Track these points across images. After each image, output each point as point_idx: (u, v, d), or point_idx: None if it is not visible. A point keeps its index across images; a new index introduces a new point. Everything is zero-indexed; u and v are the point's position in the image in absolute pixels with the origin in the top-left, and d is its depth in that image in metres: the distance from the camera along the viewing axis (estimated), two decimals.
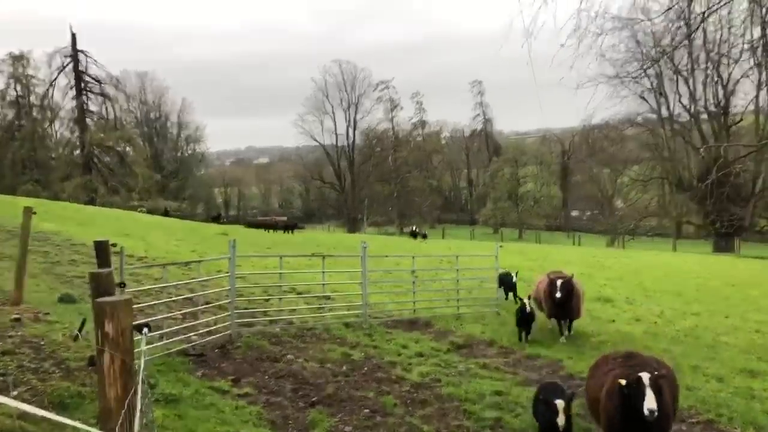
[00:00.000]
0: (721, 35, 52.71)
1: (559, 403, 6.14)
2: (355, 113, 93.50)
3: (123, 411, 2.94)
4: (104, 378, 2.98)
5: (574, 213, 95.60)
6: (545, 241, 68.65)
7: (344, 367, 9.64)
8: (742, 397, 8.78)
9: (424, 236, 48.47)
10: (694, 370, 10.25)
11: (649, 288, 20.98)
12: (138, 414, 3.06)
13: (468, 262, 21.57)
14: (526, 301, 11.76)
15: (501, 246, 18.87)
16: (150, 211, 56.35)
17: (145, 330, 4.27)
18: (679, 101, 60.48)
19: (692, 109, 59.23)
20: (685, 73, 57.97)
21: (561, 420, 6.10)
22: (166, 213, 58.75)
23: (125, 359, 2.94)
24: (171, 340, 9.59)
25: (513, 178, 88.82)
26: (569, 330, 12.29)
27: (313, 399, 8.05)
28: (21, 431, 5.40)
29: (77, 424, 2.80)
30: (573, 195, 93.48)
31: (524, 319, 11.69)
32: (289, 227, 47.00)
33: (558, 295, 11.32)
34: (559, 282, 11.41)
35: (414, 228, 53.14)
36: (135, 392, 3.15)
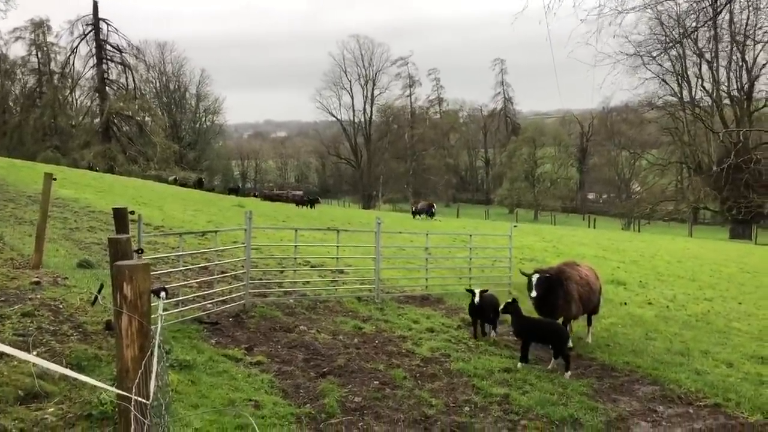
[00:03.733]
0: (748, 17, 51.64)
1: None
2: (373, 89, 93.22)
3: (140, 372, 3.02)
4: (122, 339, 3.06)
5: (591, 195, 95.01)
6: (560, 223, 68.38)
7: (356, 340, 9.76)
8: (751, 382, 8.80)
9: (432, 214, 44.44)
10: (704, 355, 10.28)
11: (662, 272, 20.93)
12: (154, 375, 3.14)
13: (482, 240, 21.60)
14: (476, 291, 10.32)
15: (515, 226, 18.85)
16: (183, 183, 56.19)
17: (163, 294, 4.36)
18: (701, 85, 59.65)
19: (714, 94, 58.36)
20: (708, 57, 57.05)
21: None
22: (200, 184, 58.16)
23: (143, 322, 3.02)
24: (186, 307, 9.75)
25: (530, 158, 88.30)
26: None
27: (325, 369, 8.17)
28: (40, 390, 5.55)
29: (96, 382, 2.89)
30: (590, 177, 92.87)
31: (473, 310, 10.44)
32: (310, 201, 46.24)
33: (533, 294, 9.64)
34: (535, 278, 9.69)
35: (414, 207, 49.28)
36: (151, 354, 3.23)
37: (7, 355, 5.91)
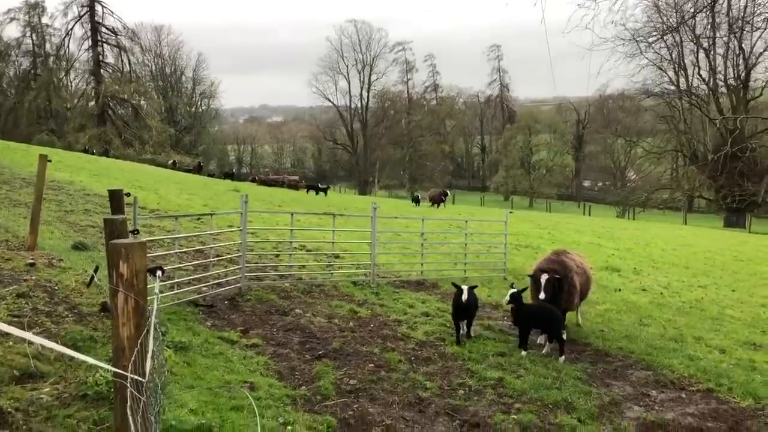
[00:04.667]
0: (746, 4, 51.46)
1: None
2: (370, 74, 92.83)
3: (135, 350, 3.02)
4: (118, 318, 3.06)
5: (586, 183, 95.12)
6: (556, 210, 68.47)
7: (351, 323, 9.78)
8: (744, 368, 8.87)
9: (443, 202, 42.01)
10: (698, 341, 10.35)
11: (657, 259, 21.00)
12: (150, 354, 3.15)
13: (477, 227, 21.63)
14: (464, 288, 9.19)
15: (511, 212, 18.86)
16: (188, 169, 55.72)
17: (159, 273, 4.36)
18: (698, 74, 59.47)
19: (711, 82, 58.23)
20: (705, 45, 56.89)
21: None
22: (199, 168, 57.54)
23: (139, 300, 3.02)
24: (182, 290, 9.75)
25: (526, 146, 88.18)
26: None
27: (320, 352, 8.20)
28: (35, 371, 5.55)
29: (92, 360, 2.89)
30: (585, 165, 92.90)
31: (460, 308, 9.26)
32: (323, 189, 45.33)
33: (542, 296, 9.19)
34: (543, 279, 9.25)
35: (417, 194, 48.16)
36: (147, 333, 3.23)
37: (3, 336, 5.91)
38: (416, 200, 43.80)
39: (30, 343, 5.73)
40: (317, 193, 44.29)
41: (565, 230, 28.63)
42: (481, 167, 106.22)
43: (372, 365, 7.87)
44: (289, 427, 5.68)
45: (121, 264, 2.97)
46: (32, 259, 9.36)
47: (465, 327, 9.50)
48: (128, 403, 2.83)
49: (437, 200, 41.78)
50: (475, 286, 9.50)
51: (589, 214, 60.87)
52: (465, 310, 9.21)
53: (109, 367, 2.90)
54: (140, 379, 2.84)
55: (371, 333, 9.40)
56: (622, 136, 76.18)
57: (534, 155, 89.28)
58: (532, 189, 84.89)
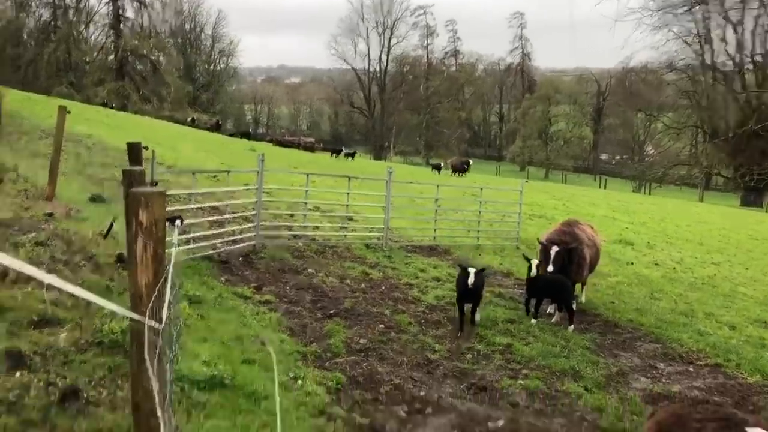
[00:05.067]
0: None
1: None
2: (390, 38, 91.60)
3: (153, 297, 3.07)
4: (136, 265, 3.09)
5: (603, 156, 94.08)
6: (571, 182, 68.02)
7: (362, 285, 9.87)
8: (753, 345, 8.88)
9: (464, 170, 41.27)
10: (708, 317, 10.35)
11: (671, 235, 20.89)
12: (167, 302, 3.19)
13: (492, 195, 21.54)
14: (471, 271, 8.18)
15: (526, 182, 18.76)
16: (208, 127, 55.50)
17: (178, 222, 4.40)
18: (725, 49, 58.30)
19: (737, 58, 57.12)
20: (734, 20, 55.64)
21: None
22: (217, 126, 57.02)
23: (157, 248, 3.05)
24: (197, 245, 9.85)
25: (545, 116, 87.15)
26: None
27: (331, 311, 8.29)
28: (53, 317, 5.66)
29: (113, 305, 2.94)
30: (604, 138, 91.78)
31: (465, 292, 8.28)
32: (348, 154, 44.58)
33: (551, 268, 8.97)
34: (554, 251, 9.06)
35: (440, 162, 46.71)
36: (165, 281, 3.28)
37: (23, 281, 6.02)
38: (437, 168, 43.06)
39: (48, 289, 5.84)
40: (346, 158, 43.40)
41: (580, 202, 28.50)
42: (498, 136, 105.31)
43: (382, 326, 7.96)
44: (299, 381, 5.79)
45: (140, 211, 2.99)
46: (50, 209, 9.46)
47: (470, 313, 8.55)
48: (144, 350, 2.89)
49: (459, 169, 41.44)
50: (483, 269, 8.57)
51: (605, 188, 60.42)
52: (471, 294, 8.27)
53: (128, 312, 2.96)
54: (157, 325, 2.89)
55: (382, 295, 9.49)
56: (643, 110, 75.08)
57: (552, 126, 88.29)
58: (548, 160, 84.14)
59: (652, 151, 74.22)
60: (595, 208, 26.50)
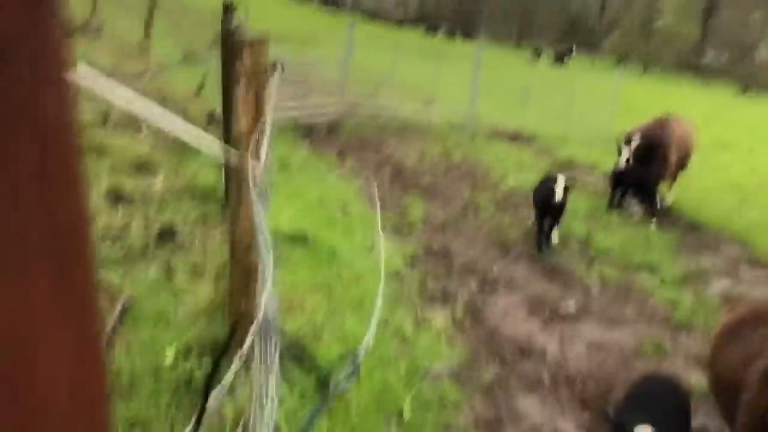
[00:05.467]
0: None
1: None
2: None
3: (254, 136, 3.17)
4: (238, 107, 3.19)
5: (710, 55, 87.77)
6: (671, 81, 64.24)
7: (443, 165, 9.87)
8: None
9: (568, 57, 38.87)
10: None
11: None
12: (266, 143, 3.29)
13: (586, 85, 20.63)
14: (560, 178, 6.75)
15: (624, 74, 17.81)
16: None
17: (280, 67, 4.45)
18: None
19: None
20: None
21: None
22: None
23: (259, 91, 3.12)
24: (284, 113, 9.99)
25: (651, 6, 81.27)
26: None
27: (410, 187, 8.39)
28: (151, 163, 5.96)
29: (216, 141, 3.05)
30: (712, 35, 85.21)
31: (547, 205, 6.82)
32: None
33: (627, 162, 8.45)
34: (633, 144, 8.45)
35: (540, 48, 43.44)
36: (264, 123, 3.36)
37: (123, 125, 6.32)
38: (538, 53, 40.50)
39: (146, 135, 6.12)
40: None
41: (677, 102, 27.01)
42: (597, 25, 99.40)
43: (459, 205, 8.02)
44: (376, 247, 5.98)
45: (245, 55, 3.05)
46: (144, 65, 9.73)
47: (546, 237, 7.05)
48: (244, 188, 3.02)
49: (562, 57, 39.46)
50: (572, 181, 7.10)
51: (708, 87, 56.78)
52: (554, 209, 6.82)
53: (231, 149, 3.09)
54: (258, 163, 3.00)
55: (462, 176, 9.48)
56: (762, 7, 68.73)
57: (656, 21, 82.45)
58: (648, 55, 79.33)
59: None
60: (694, 110, 25.07)
